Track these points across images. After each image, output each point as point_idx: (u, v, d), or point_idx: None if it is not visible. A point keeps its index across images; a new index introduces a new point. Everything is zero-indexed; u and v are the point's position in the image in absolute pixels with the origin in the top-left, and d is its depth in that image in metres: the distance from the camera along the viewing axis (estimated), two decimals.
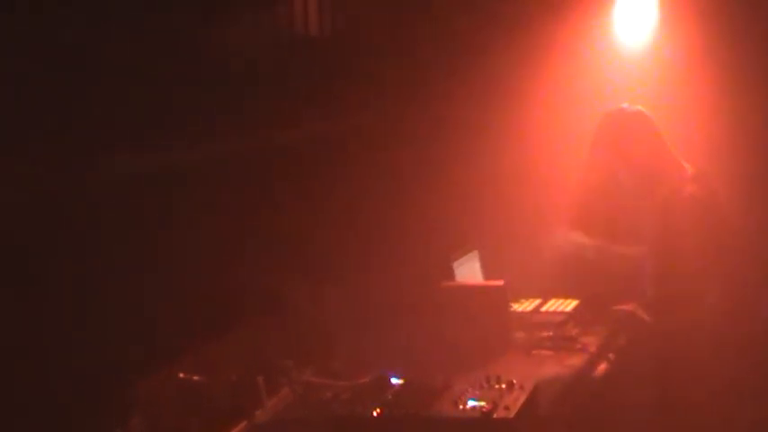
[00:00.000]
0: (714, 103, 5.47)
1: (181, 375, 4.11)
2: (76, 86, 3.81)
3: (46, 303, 3.68)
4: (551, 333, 5.03)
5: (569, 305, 5.32)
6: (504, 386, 4.15)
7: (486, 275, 5.42)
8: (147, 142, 4.09)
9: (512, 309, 5.19)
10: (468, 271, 5.32)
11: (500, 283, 5.07)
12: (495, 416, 3.91)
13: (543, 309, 5.35)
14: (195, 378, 4.13)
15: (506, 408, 3.96)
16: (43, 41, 3.69)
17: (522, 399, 4.05)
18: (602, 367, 4.87)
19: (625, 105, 5.09)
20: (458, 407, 3.99)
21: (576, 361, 4.80)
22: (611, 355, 4.95)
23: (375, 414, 3.96)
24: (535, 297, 5.44)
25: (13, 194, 3.59)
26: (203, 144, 4.37)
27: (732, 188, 5.21)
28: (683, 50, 5.47)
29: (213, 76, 4.48)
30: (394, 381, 4.26)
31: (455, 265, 5.23)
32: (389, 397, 4.12)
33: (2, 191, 3.51)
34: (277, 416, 4.19)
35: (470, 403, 3.99)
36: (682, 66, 5.47)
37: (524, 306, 5.38)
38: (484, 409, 3.93)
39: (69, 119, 3.76)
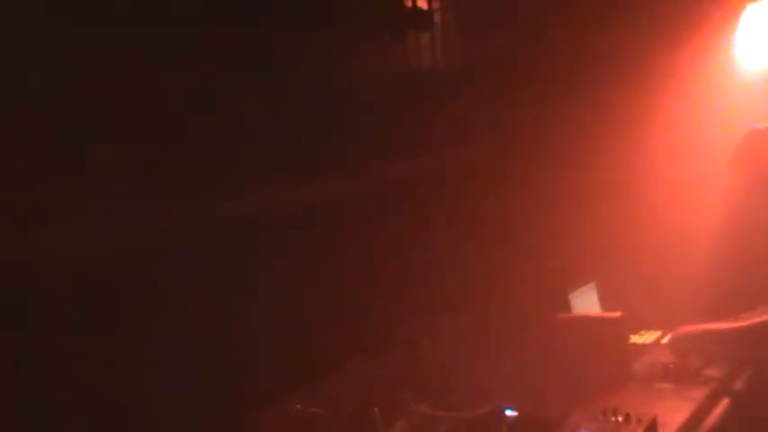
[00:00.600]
0: None
1: (298, 407, 4.18)
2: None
3: (170, 335, 3.79)
4: (672, 365, 4.94)
5: (692, 334, 5.21)
6: (620, 419, 4.11)
7: (604, 307, 5.37)
8: (266, 179, 4.19)
9: (631, 341, 5.13)
10: (586, 302, 5.28)
11: (618, 314, 5.00)
12: None
13: (664, 341, 5.27)
14: (312, 410, 4.19)
15: None
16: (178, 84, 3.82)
17: None
18: (725, 402, 4.76)
19: (764, 125, 5.01)
20: None
21: (697, 394, 4.70)
22: (735, 389, 4.84)
23: None
24: (656, 329, 5.36)
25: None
26: (322, 180, 4.45)
27: None
28: None
29: (337, 110, 4.57)
30: (509, 413, 4.26)
31: (572, 296, 5.19)
32: (504, 429, 4.11)
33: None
34: None
35: None
36: None
37: (644, 338, 5.31)
38: None
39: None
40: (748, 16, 5.43)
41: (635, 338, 5.23)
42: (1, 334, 3.35)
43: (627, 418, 4.10)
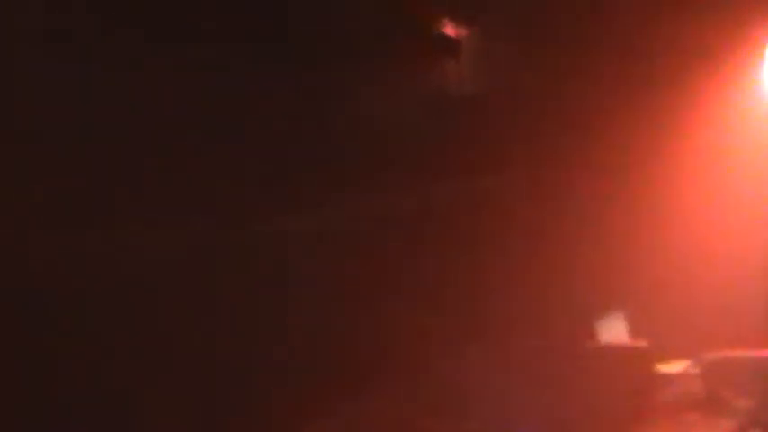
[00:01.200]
0: None
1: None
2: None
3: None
4: (702, 395, 4.85)
5: (722, 362, 5.13)
6: None
7: (632, 335, 5.28)
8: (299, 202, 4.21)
9: (659, 369, 5.04)
10: (613, 331, 5.20)
11: (644, 343, 4.93)
12: None
13: (693, 370, 5.17)
14: None
15: None
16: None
17: None
18: None
19: None
20: None
21: (727, 426, 4.61)
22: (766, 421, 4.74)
23: None
24: (684, 357, 5.27)
25: None
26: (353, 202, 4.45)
27: None
28: None
29: (374, 134, 4.56)
30: None
31: (599, 324, 5.12)
32: None
33: None
34: None
35: None
36: None
37: (673, 367, 5.22)
38: None
39: None
40: None
41: (664, 367, 5.14)
42: None
43: None
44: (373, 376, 4.44)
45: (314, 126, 4.39)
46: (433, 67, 5.17)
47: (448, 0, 5.22)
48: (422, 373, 4.64)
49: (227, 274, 3.89)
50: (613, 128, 5.36)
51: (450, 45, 5.27)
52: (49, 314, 3.51)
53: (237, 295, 3.93)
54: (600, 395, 4.66)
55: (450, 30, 5.29)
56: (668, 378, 5.04)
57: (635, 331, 5.25)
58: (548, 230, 5.12)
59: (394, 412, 4.41)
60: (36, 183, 3.56)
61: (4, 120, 3.53)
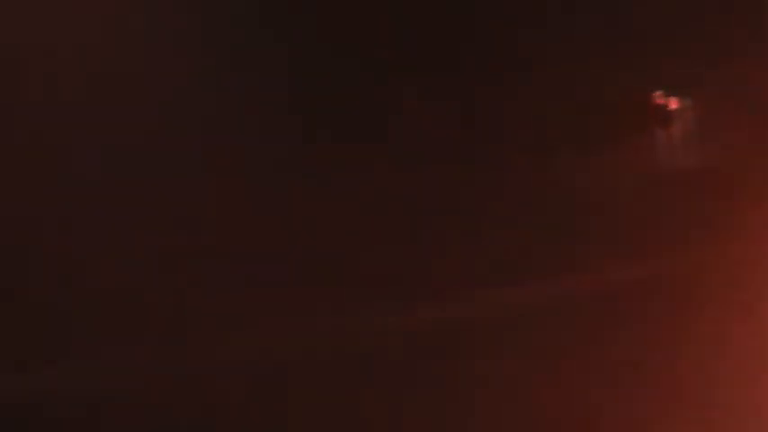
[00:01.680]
0: None
1: None
2: None
3: None
4: None
5: None
6: None
7: None
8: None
9: None
10: None
11: None
12: None
13: None
14: None
15: None
16: None
17: None
18: None
19: None
20: None
21: None
22: None
23: None
24: None
25: None
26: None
27: None
28: None
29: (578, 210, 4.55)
30: None
31: None
32: None
33: None
34: None
35: None
36: None
37: None
38: None
39: None
40: None
41: None
42: None
43: None
44: None
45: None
46: (648, 139, 5.10)
47: (664, 71, 5.15)
48: None
49: None
50: None
51: (665, 117, 5.20)
52: None
53: None
54: None
55: (665, 101, 5.23)
56: None
57: None
58: None
59: None
60: None
61: None
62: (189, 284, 4.08)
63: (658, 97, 5.23)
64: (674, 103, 5.26)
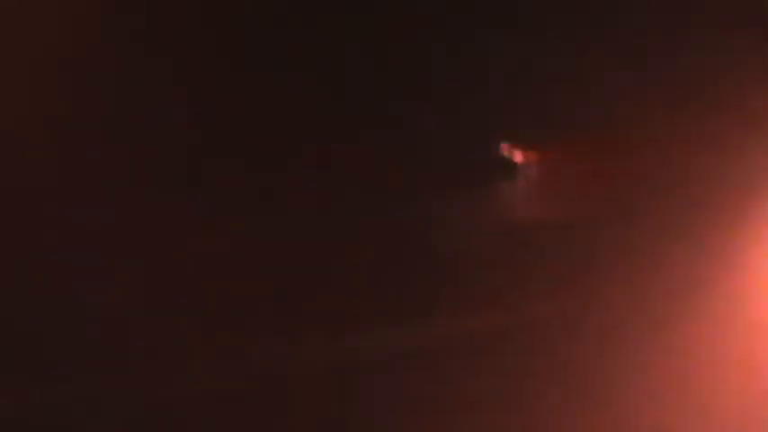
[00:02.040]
0: None
1: None
2: None
3: None
4: None
5: None
6: None
7: None
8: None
9: None
10: None
11: None
12: None
13: None
14: None
15: None
16: None
17: None
18: None
19: None
20: None
21: None
22: None
23: None
24: None
25: None
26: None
27: None
28: None
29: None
30: None
31: None
32: None
33: None
34: None
35: None
36: None
37: None
38: None
39: None
40: None
41: None
42: None
43: None
44: None
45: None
46: (495, 192, 5.15)
47: (510, 125, 5.23)
48: None
49: None
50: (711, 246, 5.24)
51: (511, 170, 5.26)
52: None
53: None
54: None
55: (511, 154, 5.29)
56: None
57: None
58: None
59: None
60: None
61: None
62: None
63: (506, 149, 5.30)
64: (519, 156, 5.34)
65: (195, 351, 4.20)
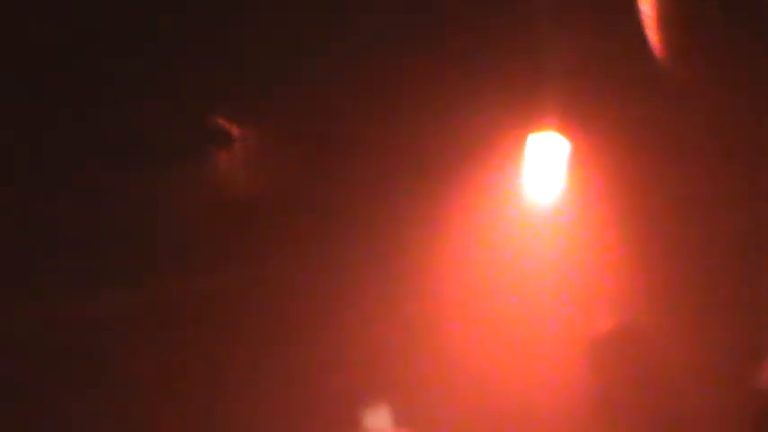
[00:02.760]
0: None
1: None
2: None
3: None
4: None
5: None
6: None
7: (397, 425, 5.41)
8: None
9: None
10: (379, 420, 5.32)
11: None
12: None
13: None
14: None
15: None
16: None
17: None
18: None
19: None
20: None
21: None
22: None
23: None
24: None
25: None
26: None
27: None
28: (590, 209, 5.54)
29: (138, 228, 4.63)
30: None
31: (365, 413, 5.24)
32: None
33: None
34: None
35: None
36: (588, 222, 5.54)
37: None
38: None
39: None
40: (532, 146, 5.56)
41: None
42: None
43: None
44: None
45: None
46: (208, 160, 5.27)
47: (226, 94, 5.35)
48: None
49: None
50: (383, 227, 5.52)
51: (225, 139, 5.39)
52: None
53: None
54: None
55: (225, 124, 5.41)
56: None
57: (399, 421, 5.39)
58: (310, 317, 5.24)
59: None
60: None
61: None
62: None
63: (221, 122, 5.42)
64: (236, 129, 5.46)
65: None
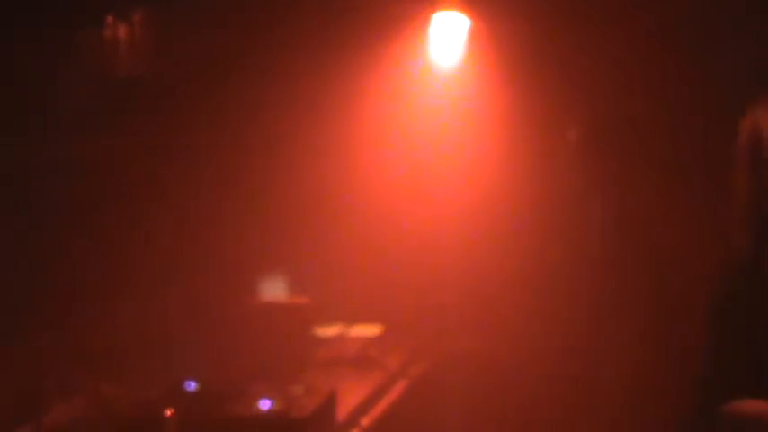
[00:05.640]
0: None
1: None
2: None
3: None
4: (353, 353, 5.06)
5: (372, 331, 5.37)
6: (301, 391, 4.11)
7: (294, 295, 5.39)
8: None
9: (316, 330, 5.17)
10: (276, 289, 5.29)
11: (305, 301, 5.06)
12: (289, 415, 3.87)
13: (348, 333, 5.36)
14: None
15: (301, 408, 3.92)
16: None
17: (318, 402, 4.02)
18: (403, 383, 4.90)
19: None
20: (252, 407, 3.93)
21: (375, 377, 4.81)
22: (412, 374, 5.00)
23: (167, 415, 3.86)
24: (340, 321, 5.44)
25: None
26: None
27: None
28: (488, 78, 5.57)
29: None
30: (191, 386, 4.18)
31: (263, 282, 5.20)
32: (183, 401, 4.02)
33: None
34: (65, 420, 4.05)
35: (265, 404, 3.94)
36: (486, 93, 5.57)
37: (329, 329, 5.37)
38: (278, 409, 3.88)
39: None
40: (437, 25, 5.58)
41: (320, 329, 5.27)
42: None
43: (307, 390, 4.12)
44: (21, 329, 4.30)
45: None
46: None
47: None
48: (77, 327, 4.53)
49: None
50: (276, 91, 5.41)
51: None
52: None
53: None
54: (260, 349, 4.72)
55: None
56: (325, 338, 5.19)
57: (296, 290, 5.35)
58: (210, 188, 5.15)
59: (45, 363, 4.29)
60: None
61: None
62: None
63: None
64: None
65: None
